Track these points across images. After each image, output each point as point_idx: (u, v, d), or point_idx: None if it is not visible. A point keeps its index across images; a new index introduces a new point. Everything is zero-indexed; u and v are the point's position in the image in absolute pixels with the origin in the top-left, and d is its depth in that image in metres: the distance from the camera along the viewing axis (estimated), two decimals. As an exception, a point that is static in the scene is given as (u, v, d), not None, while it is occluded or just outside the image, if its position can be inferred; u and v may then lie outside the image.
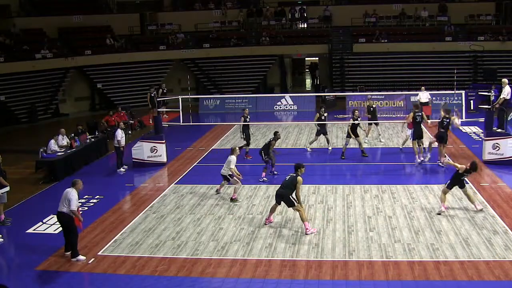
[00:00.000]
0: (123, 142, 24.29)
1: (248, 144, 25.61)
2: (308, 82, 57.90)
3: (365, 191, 20.04)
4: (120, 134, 24.18)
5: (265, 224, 17.12)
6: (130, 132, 32.32)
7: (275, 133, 22.71)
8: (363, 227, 16.65)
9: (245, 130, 25.59)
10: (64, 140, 25.10)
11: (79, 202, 15.43)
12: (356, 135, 24.62)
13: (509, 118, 27.02)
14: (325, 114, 25.81)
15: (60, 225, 15.49)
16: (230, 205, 19.07)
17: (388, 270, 13.80)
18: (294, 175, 16.47)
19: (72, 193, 14.98)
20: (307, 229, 16.31)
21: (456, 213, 17.49)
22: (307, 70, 59.86)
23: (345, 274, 13.70)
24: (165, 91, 36.32)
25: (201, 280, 13.65)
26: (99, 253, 15.45)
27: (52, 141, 24.40)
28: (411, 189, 20.09)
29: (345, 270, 13.92)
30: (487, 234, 15.73)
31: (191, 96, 35.88)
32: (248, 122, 25.65)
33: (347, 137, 24.62)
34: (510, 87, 24.25)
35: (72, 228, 15.09)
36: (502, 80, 24.52)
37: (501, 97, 23.95)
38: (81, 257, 15.08)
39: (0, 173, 17.82)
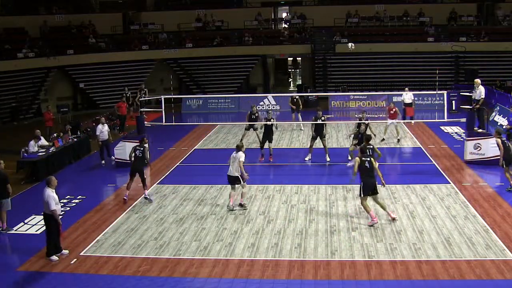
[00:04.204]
0: (102, 137, 25.16)
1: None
2: (292, 82, 57.98)
3: (348, 191, 20.09)
4: (99, 129, 25.11)
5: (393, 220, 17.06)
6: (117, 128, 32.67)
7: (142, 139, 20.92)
8: (346, 227, 16.69)
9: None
10: (40, 141, 24.81)
11: (60, 203, 15.33)
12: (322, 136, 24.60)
13: (490, 118, 27.24)
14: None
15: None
16: (212, 205, 19.05)
17: (370, 269, 13.85)
18: (369, 159, 16.81)
19: (46, 194, 14.90)
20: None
21: (438, 213, 17.59)
22: (292, 69, 60.03)
23: (327, 274, 13.73)
24: (128, 94, 36.30)
25: (183, 281, 13.63)
26: (81, 254, 15.37)
27: (32, 142, 24.21)
28: (393, 189, 20.15)
29: (328, 270, 13.95)
30: (468, 234, 15.84)
31: (173, 96, 35.81)
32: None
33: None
34: (483, 86, 24.53)
35: (51, 228, 15.05)
36: (475, 80, 24.74)
37: (479, 97, 24.15)
38: (54, 257, 15.06)
39: (6, 179, 17.45)
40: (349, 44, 34.34)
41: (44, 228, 15.74)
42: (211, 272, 13.99)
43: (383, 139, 27.92)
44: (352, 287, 13.11)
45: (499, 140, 19.90)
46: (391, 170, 23.43)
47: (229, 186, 19.04)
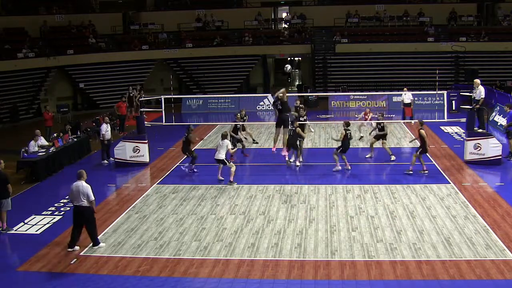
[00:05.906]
0: (107, 136, 25.28)
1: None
2: (292, 82, 57.92)
3: (348, 191, 20.10)
4: (104, 128, 25.16)
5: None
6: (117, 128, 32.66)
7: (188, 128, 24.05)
8: (346, 227, 16.69)
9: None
10: (40, 141, 24.79)
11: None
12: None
13: (490, 118, 27.21)
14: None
15: (75, 219, 15.62)
16: (212, 205, 19.04)
17: (370, 269, 13.84)
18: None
19: (83, 186, 15.42)
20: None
21: (438, 213, 17.59)
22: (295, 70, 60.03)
23: (327, 274, 13.72)
24: (132, 94, 36.44)
25: (183, 280, 13.62)
26: (82, 254, 15.36)
27: (32, 142, 24.21)
28: (393, 189, 20.16)
29: (328, 270, 13.95)
30: (468, 234, 15.83)
31: (173, 96, 35.79)
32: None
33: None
34: (483, 86, 24.58)
35: (92, 220, 15.59)
36: (475, 80, 24.80)
37: (479, 97, 24.20)
38: (102, 244, 15.74)
39: (6, 179, 17.43)
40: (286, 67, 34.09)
41: (45, 226, 15.79)
42: (211, 272, 13.98)
43: (362, 137, 28.43)
44: (352, 287, 13.11)
45: (423, 131, 21.55)
46: (391, 170, 23.42)
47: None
